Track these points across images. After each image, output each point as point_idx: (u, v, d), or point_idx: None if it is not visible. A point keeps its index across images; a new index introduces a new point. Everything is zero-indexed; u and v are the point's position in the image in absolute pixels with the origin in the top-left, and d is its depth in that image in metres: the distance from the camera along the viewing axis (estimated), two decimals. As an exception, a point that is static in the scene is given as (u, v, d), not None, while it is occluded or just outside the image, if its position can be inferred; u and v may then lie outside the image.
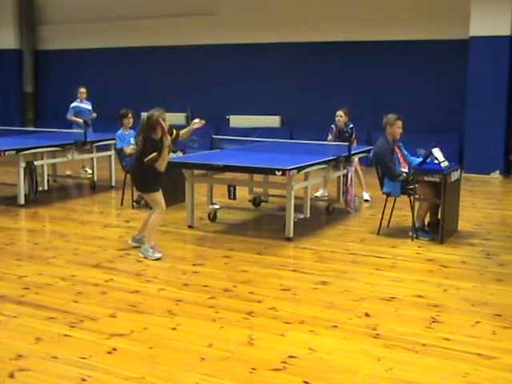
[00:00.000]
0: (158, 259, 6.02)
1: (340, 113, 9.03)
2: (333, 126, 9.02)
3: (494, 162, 11.36)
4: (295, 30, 13.08)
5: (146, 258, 6.03)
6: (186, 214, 7.37)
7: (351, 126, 9.01)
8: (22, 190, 8.42)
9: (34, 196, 8.63)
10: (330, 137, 9.00)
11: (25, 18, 15.94)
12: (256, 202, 8.60)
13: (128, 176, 8.26)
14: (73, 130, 10.09)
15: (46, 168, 9.62)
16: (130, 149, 8.22)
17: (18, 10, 15.93)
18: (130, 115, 8.63)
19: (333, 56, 13.07)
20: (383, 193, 7.22)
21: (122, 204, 8.51)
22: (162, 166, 6.04)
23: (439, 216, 6.79)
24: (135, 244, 6.36)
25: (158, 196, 6.19)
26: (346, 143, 8.42)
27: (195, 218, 7.40)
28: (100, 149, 9.94)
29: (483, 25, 11.03)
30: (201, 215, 7.72)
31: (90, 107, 11.10)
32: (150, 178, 6.11)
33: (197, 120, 6.84)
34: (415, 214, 6.78)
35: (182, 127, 14.82)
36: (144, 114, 6.12)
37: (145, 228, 6.33)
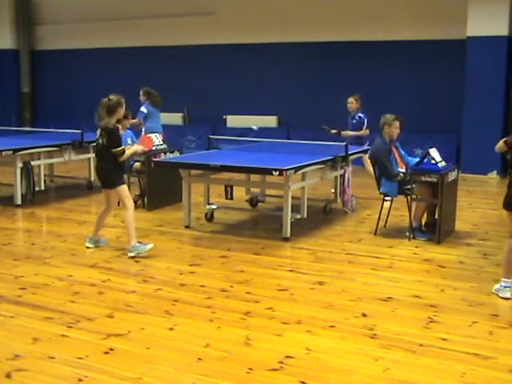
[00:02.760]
0: (150, 249, 6.09)
1: (350, 99, 9.16)
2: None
3: (492, 162, 11.36)
4: (293, 30, 13.09)
5: (138, 254, 6.05)
6: (182, 214, 7.36)
7: (359, 114, 9.05)
8: (18, 190, 8.41)
9: (31, 196, 8.62)
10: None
11: (22, 18, 15.92)
12: (253, 202, 8.59)
13: (125, 176, 8.26)
14: (70, 130, 10.06)
15: (42, 168, 9.60)
16: (126, 149, 8.19)
17: (14, 9, 15.91)
18: (128, 116, 8.62)
19: (329, 56, 13.05)
20: (380, 193, 7.23)
21: (118, 204, 8.44)
22: (125, 156, 6.24)
23: (436, 216, 6.80)
24: (92, 246, 6.41)
25: (126, 189, 6.29)
26: (352, 132, 8.78)
27: (192, 218, 7.40)
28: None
29: (480, 25, 11.04)
30: (198, 215, 7.71)
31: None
32: (116, 172, 6.20)
33: (138, 147, 6.77)
34: (412, 214, 6.78)
35: (179, 128, 14.75)
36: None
37: (98, 228, 6.47)
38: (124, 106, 6.18)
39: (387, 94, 12.23)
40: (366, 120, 9.09)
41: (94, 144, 6.36)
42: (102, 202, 9.01)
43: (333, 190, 8.95)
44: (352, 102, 9.18)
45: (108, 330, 4.31)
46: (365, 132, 9.06)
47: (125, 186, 6.27)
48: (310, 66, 13.30)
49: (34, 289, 5.19)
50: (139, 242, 6.14)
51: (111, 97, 6.09)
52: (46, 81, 16.08)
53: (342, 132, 9.05)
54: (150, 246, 6.13)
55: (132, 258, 6.02)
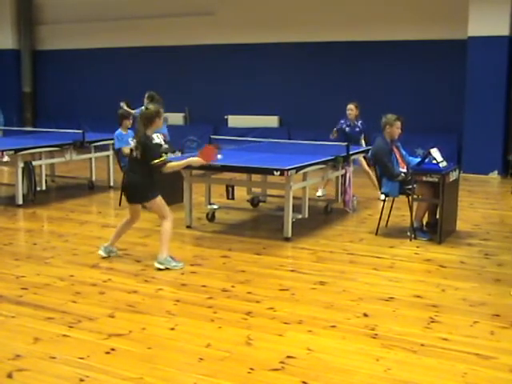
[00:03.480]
0: (181, 268, 5.75)
1: (351, 106, 9.11)
2: (342, 121, 9.10)
3: (493, 162, 11.37)
4: (294, 31, 13.08)
5: (167, 268, 5.68)
6: (184, 214, 7.36)
7: (361, 122, 9.10)
8: (20, 190, 8.42)
9: (33, 196, 8.62)
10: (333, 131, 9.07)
11: (23, 18, 15.93)
12: (254, 202, 8.60)
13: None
14: (71, 130, 10.08)
15: (44, 168, 9.62)
16: (128, 149, 8.20)
17: (16, 9, 15.93)
18: (130, 116, 8.64)
19: (331, 56, 13.06)
20: (381, 193, 7.23)
21: (120, 204, 8.50)
22: (169, 168, 5.82)
23: (437, 216, 6.80)
24: (105, 255, 6.01)
25: (161, 200, 5.84)
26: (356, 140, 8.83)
27: (193, 218, 7.40)
28: (98, 149, 9.93)
29: (481, 25, 11.04)
30: (199, 215, 7.71)
31: None
32: (149, 184, 5.77)
33: (196, 159, 6.07)
34: (413, 214, 6.78)
35: (181, 128, 14.73)
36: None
37: (117, 239, 6.07)
38: (162, 116, 5.81)
39: (388, 94, 12.23)
40: (365, 127, 9.16)
41: (130, 155, 5.87)
42: (102, 201, 9.12)
43: (320, 193, 8.98)
44: (352, 109, 9.05)
45: (109, 330, 4.31)
46: (365, 140, 9.23)
47: (160, 197, 5.81)
48: (310, 66, 13.29)
49: (36, 289, 5.19)
50: (172, 258, 5.79)
51: (149, 106, 5.82)
52: (47, 81, 16.09)
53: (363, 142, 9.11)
54: (181, 264, 5.77)
55: (158, 269, 5.67)
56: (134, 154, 5.73)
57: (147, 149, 5.68)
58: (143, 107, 9.76)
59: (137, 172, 5.75)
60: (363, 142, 9.24)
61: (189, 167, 6.56)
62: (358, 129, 9.09)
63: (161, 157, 5.72)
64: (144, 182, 5.73)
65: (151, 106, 5.84)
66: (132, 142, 5.85)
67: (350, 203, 8.14)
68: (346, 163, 7.85)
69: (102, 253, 6.04)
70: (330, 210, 8.23)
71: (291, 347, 4.06)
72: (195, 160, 6.07)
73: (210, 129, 13.61)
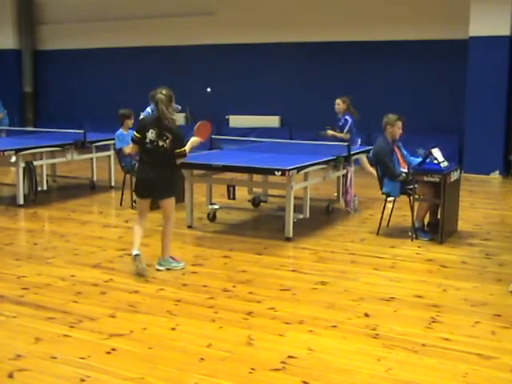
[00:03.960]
0: (182, 268, 5.74)
1: (337, 100, 9.08)
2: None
3: (494, 162, 11.36)
4: (294, 31, 13.08)
5: (168, 269, 5.66)
6: (185, 214, 7.35)
7: (346, 117, 8.96)
8: (21, 190, 8.41)
9: (34, 196, 8.63)
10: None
11: (24, 18, 15.94)
12: (255, 202, 8.59)
13: (127, 176, 8.26)
14: (72, 130, 10.08)
15: (45, 168, 9.61)
16: (129, 149, 8.17)
17: (17, 9, 15.93)
18: (132, 116, 8.63)
19: (332, 56, 13.06)
20: (383, 193, 7.23)
21: (121, 204, 8.51)
22: (186, 156, 5.58)
23: (439, 216, 6.80)
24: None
25: (174, 201, 5.72)
26: (331, 132, 8.81)
27: (194, 218, 7.39)
28: (99, 149, 9.93)
29: (483, 25, 11.04)
30: (200, 215, 7.71)
31: None
32: (174, 179, 5.61)
33: (196, 139, 5.84)
34: (415, 214, 6.78)
35: (182, 128, 14.72)
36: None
37: (140, 240, 5.74)
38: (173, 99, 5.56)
39: (388, 94, 12.23)
40: (349, 123, 8.90)
41: (149, 146, 5.50)
42: (104, 201, 9.12)
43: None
44: (339, 104, 9.03)
45: (110, 330, 4.31)
46: (344, 135, 8.86)
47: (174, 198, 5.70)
48: (310, 66, 13.29)
49: (37, 289, 5.19)
50: (172, 258, 5.78)
51: (164, 91, 5.47)
52: (48, 81, 16.10)
53: (327, 132, 9.02)
54: (182, 264, 5.76)
55: (158, 270, 5.65)
56: (163, 144, 5.42)
57: (178, 137, 5.49)
58: (149, 108, 9.80)
59: (172, 165, 5.53)
60: (344, 136, 8.82)
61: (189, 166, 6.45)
62: (340, 123, 9.02)
63: (183, 146, 5.54)
64: (172, 176, 5.59)
65: (164, 91, 5.48)
66: (151, 134, 5.46)
67: (352, 203, 8.15)
68: (348, 163, 7.85)
69: (143, 264, 5.56)
70: (331, 210, 8.23)
71: (292, 347, 4.06)
72: (196, 140, 5.82)
73: (211, 129, 13.61)
